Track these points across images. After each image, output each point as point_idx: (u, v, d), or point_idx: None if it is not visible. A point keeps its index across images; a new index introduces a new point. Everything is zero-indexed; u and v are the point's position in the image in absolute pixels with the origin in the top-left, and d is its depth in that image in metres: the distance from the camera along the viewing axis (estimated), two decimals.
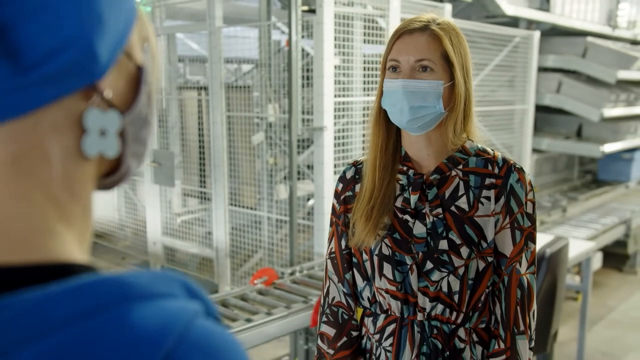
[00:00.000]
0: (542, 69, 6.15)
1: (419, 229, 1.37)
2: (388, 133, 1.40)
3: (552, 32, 6.28)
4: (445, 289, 1.36)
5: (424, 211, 1.37)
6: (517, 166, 1.39)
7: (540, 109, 6.34)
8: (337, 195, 1.50)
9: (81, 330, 0.37)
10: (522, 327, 1.37)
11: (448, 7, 4.46)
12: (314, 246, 3.95)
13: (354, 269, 1.47)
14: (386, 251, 1.38)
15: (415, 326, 1.38)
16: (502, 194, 1.36)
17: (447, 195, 1.37)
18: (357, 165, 1.49)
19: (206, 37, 4.46)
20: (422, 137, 1.37)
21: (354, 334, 1.48)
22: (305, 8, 3.85)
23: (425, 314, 1.38)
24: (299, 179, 4.13)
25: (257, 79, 4.61)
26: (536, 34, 5.79)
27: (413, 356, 1.38)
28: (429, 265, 1.36)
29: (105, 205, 5.98)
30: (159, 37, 5.00)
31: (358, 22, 3.95)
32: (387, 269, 1.38)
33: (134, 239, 5.80)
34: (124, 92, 0.48)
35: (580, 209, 5.90)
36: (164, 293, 0.41)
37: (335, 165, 3.74)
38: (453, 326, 1.38)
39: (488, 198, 1.36)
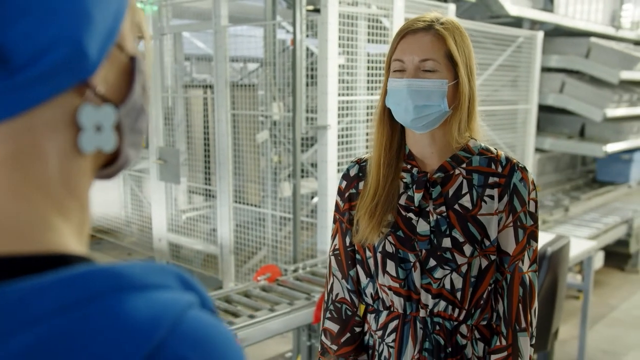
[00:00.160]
0: (545, 69, 6.15)
1: (422, 227, 1.37)
2: (392, 131, 1.41)
3: (555, 33, 6.29)
4: (448, 286, 1.37)
5: (427, 209, 1.38)
6: (520, 165, 1.40)
7: (543, 109, 6.35)
8: (340, 192, 1.50)
9: (69, 320, 0.36)
10: (523, 325, 1.38)
11: (452, 7, 4.48)
12: (317, 243, 3.97)
13: (357, 266, 1.48)
14: (390, 248, 1.39)
15: (417, 323, 1.39)
16: (506, 192, 1.37)
17: (450, 193, 1.38)
18: (360, 163, 1.49)
19: (212, 36, 4.49)
20: (427, 136, 1.38)
21: (358, 329, 1.49)
22: (311, 8, 3.88)
23: (428, 310, 1.39)
24: (303, 176, 4.15)
25: (262, 77, 4.64)
26: (539, 34, 5.80)
27: (415, 352, 1.39)
28: (432, 262, 1.36)
29: (112, 202, 6.02)
30: (165, 36, 5.03)
31: (362, 21, 3.96)
32: (391, 266, 1.39)
33: (139, 235, 5.83)
34: (117, 84, 0.47)
35: (582, 208, 5.92)
36: (158, 284, 0.41)
37: (338, 164, 3.76)
38: (455, 323, 1.39)
39: (491, 197, 1.37)
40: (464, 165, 1.39)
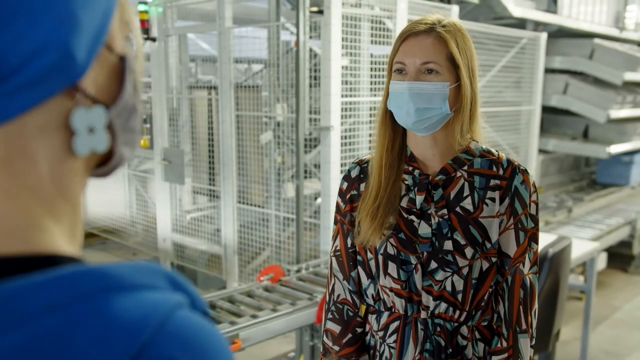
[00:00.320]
0: (549, 70, 6.16)
1: (424, 229, 1.38)
2: (394, 133, 1.41)
3: (559, 34, 6.29)
4: (449, 288, 1.37)
5: (429, 212, 1.38)
6: (521, 168, 1.40)
7: (547, 110, 6.36)
8: (341, 193, 1.50)
9: (56, 321, 0.36)
10: (524, 326, 1.39)
11: (455, 8, 4.49)
12: (320, 244, 3.99)
13: (359, 267, 1.48)
14: (391, 250, 1.39)
15: (418, 324, 1.40)
16: (507, 195, 1.37)
17: (452, 196, 1.38)
18: (361, 164, 1.49)
19: (217, 37, 4.51)
20: (428, 138, 1.38)
21: (359, 330, 1.50)
22: (314, 9, 3.89)
23: (429, 312, 1.39)
24: (306, 177, 4.17)
25: (266, 78, 4.66)
26: (543, 36, 5.81)
27: (416, 353, 1.39)
28: (434, 265, 1.37)
29: (117, 202, 6.05)
30: (170, 37, 5.06)
31: (365, 23, 3.98)
32: (392, 267, 1.40)
33: (144, 235, 5.86)
34: (107, 85, 0.47)
35: (585, 210, 5.92)
36: (146, 284, 0.41)
37: (341, 165, 3.77)
38: (456, 324, 1.39)
39: (492, 199, 1.37)
40: (465, 168, 1.39)
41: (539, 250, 1.51)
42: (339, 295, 1.50)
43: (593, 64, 6.09)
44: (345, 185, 1.50)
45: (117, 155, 0.49)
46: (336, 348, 1.50)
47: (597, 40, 6.20)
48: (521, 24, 5.86)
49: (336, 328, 1.50)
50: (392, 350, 1.43)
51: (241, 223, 4.70)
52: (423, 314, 1.40)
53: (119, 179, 5.95)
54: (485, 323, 1.42)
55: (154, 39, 4.82)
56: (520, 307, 1.38)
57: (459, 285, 1.37)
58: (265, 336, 2.72)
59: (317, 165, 4.17)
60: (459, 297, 1.38)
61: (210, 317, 0.45)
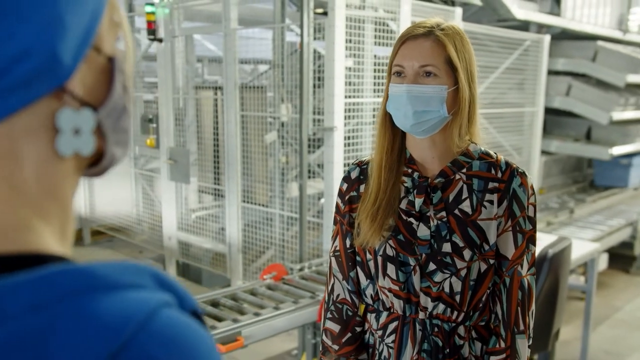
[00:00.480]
0: (552, 72, 6.18)
1: (423, 232, 1.39)
2: (394, 135, 1.42)
3: (562, 36, 6.31)
4: (447, 289, 1.38)
5: (428, 214, 1.39)
6: (519, 170, 1.41)
7: (550, 112, 6.38)
8: (341, 194, 1.51)
9: (39, 319, 0.36)
10: (522, 327, 1.40)
11: (459, 10, 4.52)
12: (322, 243, 4.03)
13: (358, 267, 1.49)
14: (390, 252, 1.41)
15: (417, 324, 1.41)
16: (505, 197, 1.38)
17: (451, 198, 1.39)
18: (361, 166, 1.50)
19: (222, 38, 4.56)
20: (427, 140, 1.38)
21: (358, 329, 1.51)
22: (319, 11, 3.93)
23: (427, 313, 1.41)
24: (310, 177, 4.21)
25: (271, 79, 4.70)
26: (546, 38, 5.83)
27: (414, 353, 1.41)
28: (432, 266, 1.38)
29: (124, 201, 6.10)
30: (177, 38, 5.10)
31: (369, 24, 4.01)
32: (391, 269, 1.41)
33: (150, 233, 5.90)
34: (96, 86, 0.47)
35: (587, 211, 5.94)
36: (132, 284, 0.41)
37: (344, 165, 3.81)
38: (453, 324, 1.41)
39: (491, 202, 1.38)
40: (464, 170, 1.40)
41: (539, 250, 1.53)
42: (338, 295, 1.52)
43: (596, 66, 6.11)
44: (345, 186, 1.52)
45: (109, 156, 0.49)
46: (335, 347, 1.51)
47: (600, 43, 6.22)
48: (524, 26, 5.87)
49: (335, 327, 1.51)
50: (390, 350, 1.44)
51: (246, 222, 4.74)
52: (421, 315, 1.41)
53: (126, 178, 6.01)
54: (483, 323, 1.44)
55: (160, 40, 4.86)
56: (519, 308, 1.40)
57: (457, 287, 1.38)
58: (268, 334, 2.75)
59: (320, 165, 4.21)
60: (457, 298, 1.39)
61: (201, 317, 0.45)
